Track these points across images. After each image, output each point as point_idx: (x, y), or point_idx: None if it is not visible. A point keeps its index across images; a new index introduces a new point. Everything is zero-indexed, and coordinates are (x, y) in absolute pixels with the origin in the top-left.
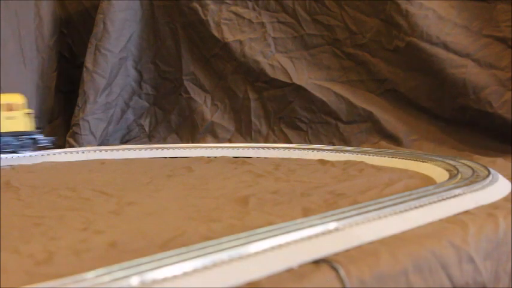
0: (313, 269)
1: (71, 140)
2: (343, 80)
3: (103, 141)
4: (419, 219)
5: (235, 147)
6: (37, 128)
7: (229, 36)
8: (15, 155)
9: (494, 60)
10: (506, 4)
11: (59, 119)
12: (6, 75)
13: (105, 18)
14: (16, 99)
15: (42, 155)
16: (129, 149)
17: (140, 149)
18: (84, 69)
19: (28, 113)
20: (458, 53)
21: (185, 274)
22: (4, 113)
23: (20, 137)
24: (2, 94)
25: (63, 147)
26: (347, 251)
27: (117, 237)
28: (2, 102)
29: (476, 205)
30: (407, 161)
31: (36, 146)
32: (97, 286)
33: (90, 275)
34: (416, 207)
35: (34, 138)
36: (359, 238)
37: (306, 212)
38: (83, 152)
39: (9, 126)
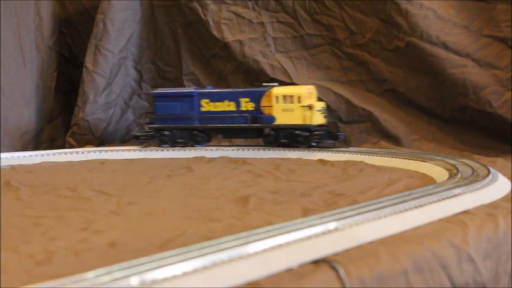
0: (313, 269)
1: (70, 140)
2: (343, 80)
3: (103, 141)
4: (419, 219)
5: (235, 147)
6: (325, 124)
7: (229, 36)
8: (15, 155)
9: (494, 60)
10: (506, 4)
11: (59, 119)
12: (6, 75)
13: (105, 18)
14: (298, 91)
15: (42, 155)
16: (129, 149)
17: (140, 149)
18: (84, 69)
19: (307, 106)
20: (458, 53)
21: (185, 274)
22: (281, 105)
23: (295, 131)
24: (290, 86)
25: (63, 147)
26: (347, 251)
27: (117, 237)
28: (279, 93)
29: (476, 205)
30: (407, 160)
31: (309, 143)
32: (97, 286)
33: (90, 275)
34: (416, 207)
35: (310, 134)
36: (359, 238)
37: (306, 212)
38: (83, 152)
39: (286, 118)
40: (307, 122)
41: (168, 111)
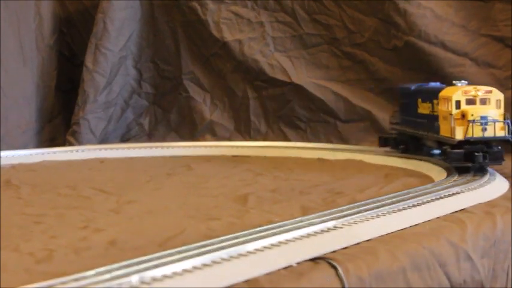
0: (311, 267)
1: (71, 139)
2: (342, 79)
3: (103, 140)
4: (417, 217)
5: (235, 146)
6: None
7: (228, 36)
8: (15, 153)
9: (492, 59)
10: (503, 3)
11: (59, 118)
12: (6, 74)
13: (105, 17)
14: (451, 92)
15: (43, 154)
16: (128, 148)
17: (140, 147)
18: (84, 68)
19: (456, 114)
20: (456, 52)
21: (184, 272)
22: (442, 110)
23: (444, 145)
24: (465, 86)
25: (63, 145)
26: (345, 249)
27: (117, 236)
28: (441, 95)
29: (474, 203)
30: (405, 159)
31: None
32: (97, 284)
33: (90, 273)
34: (414, 206)
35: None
36: (357, 236)
37: (305, 211)
38: (83, 151)
39: (442, 128)
40: (452, 135)
41: (402, 112)
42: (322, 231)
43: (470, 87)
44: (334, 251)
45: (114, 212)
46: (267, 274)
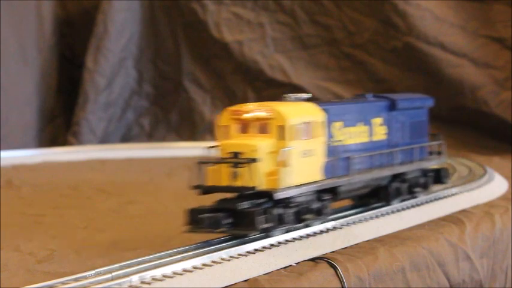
0: (311, 267)
1: (71, 139)
2: (341, 80)
3: (103, 140)
4: (416, 217)
5: None
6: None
7: (228, 37)
8: (16, 153)
9: (490, 60)
10: (502, 5)
11: (60, 118)
12: (7, 74)
13: (105, 18)
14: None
15: (44, 154)
16: (129, 148)
17: (140, 148)
18: (85, 68)
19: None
20: (455, 53)
21: (185, 272)
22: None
23: None
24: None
25: (64, 145)
26: (345, 249)
27: (117, 236)
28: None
29: (473, 203)
30: None
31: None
32: (98, 284)
33: (90, 273)
34: (413, 206)
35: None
36: (357, 236)
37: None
38: (84, 151)
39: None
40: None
41: None
42: (322, 232)
43: (241, 106)
44: (334, 251)
45: (114, 212)
46: (267, 274)
